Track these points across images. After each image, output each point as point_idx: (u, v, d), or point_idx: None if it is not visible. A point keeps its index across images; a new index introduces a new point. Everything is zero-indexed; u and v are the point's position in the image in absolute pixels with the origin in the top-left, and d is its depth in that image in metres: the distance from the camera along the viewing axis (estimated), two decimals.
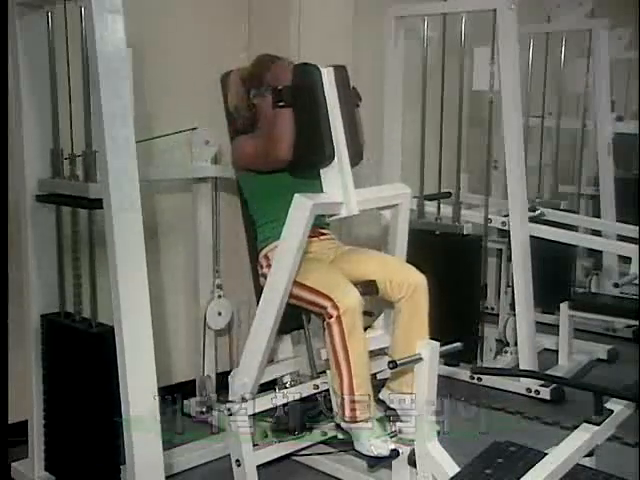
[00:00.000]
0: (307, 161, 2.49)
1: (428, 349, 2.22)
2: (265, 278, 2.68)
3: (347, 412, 2.40)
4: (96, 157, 2.23)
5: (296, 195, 2.33)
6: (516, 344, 3.72)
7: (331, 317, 2.37)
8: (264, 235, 2.71)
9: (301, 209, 2.31)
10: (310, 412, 2.69)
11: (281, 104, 2.47)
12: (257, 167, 2.64)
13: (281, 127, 2.47)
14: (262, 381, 2.60)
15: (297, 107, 2.46)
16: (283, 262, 2.40)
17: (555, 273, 4.31)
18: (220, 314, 3.21)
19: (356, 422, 2.39)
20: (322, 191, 2.45)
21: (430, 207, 3.80)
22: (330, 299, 2.38)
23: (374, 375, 2.59)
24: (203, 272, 3.21)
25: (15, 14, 2.35)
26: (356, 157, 2.54)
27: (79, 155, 2.35)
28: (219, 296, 3.19)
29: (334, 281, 2.47)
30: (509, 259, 3.72)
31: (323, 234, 2.76)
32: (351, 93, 2.57)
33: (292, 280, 2.42)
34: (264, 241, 2.72)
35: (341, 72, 2.50)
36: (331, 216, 2.51)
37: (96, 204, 2.19)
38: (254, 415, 2.54)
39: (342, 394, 2.41)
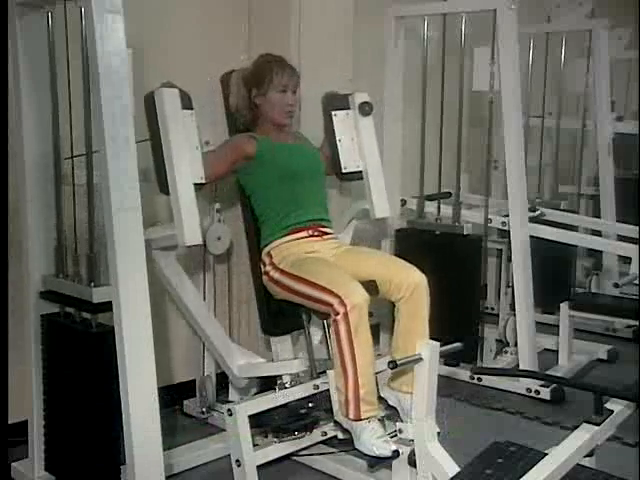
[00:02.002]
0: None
1: (428, 349, 2.22)
2: (267, 276, 2.69)
3: (351, 411, 2.40)
4: (99, 257, 2.29)
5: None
6: (516, 344, 3.72)
7: (338, 314, 2.37)
8: (266, 233, 2.72)
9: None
10: (310, 412, 2.70)
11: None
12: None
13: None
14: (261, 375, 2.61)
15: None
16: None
17: (555, 273, 4.32)
18: (219, 239, 3.04)
19: (360, 421, 2.40)
20: (324, 193, 2.46)
21: (430, 207, 3.80)
22: (337, 296, 2.38)
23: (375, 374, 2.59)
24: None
25: (15, 14, 2.35)
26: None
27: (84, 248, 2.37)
28: (218, 220, 3.05)
29: (341, 278, 2.48)
30: (509, 259, 3.71)
31: (326, 233, 2.76)
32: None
33: None
34: (266, 239, 2.73)
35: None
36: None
37: (101, 308, 2.24)
38: (254, 415, 2.54)
39: (346, 392, 2.41)
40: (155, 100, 2.44)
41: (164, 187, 2.48)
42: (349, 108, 2.93)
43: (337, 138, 2.89)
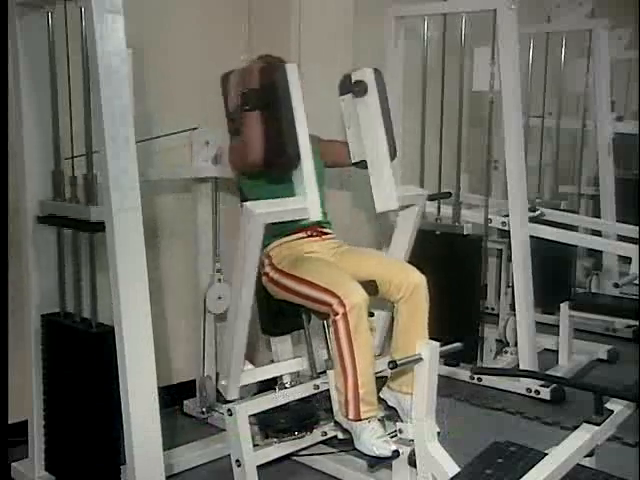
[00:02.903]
0: (274, 164, 2.48)
1: (428, 349, 2.22)
2: (267, 277, 2.69)
3: (351, 410, 2.40)
4: (97, 179, 2.26)
5: (246, 204, 2.34)
6: (516, 344, 3.72)
7: (337, 314, 2.37)
8: (265, 234, 2.71)
9: (248, 218, 2.31)
10: (310, 412, 2.70)
11: (246, 107, 2.48)
12: (241, 171, 2.68)
13: (247, 131, 2.49)
14: (261, 379, 2.61)
15: (264, 109, 2.45)
16: (239, 273, 2.40)
17: (555, 273, 4.32)
18: (220, 298, 3.14)
19: (360, 421, 2.39)
20: (322, 192, 2.46)
21: (430, 207, 3.79)
22: (337, 296, 2.38)
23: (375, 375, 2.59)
24: (203, 272, 3.20)
25: (15, 14, 2.35)
26: (392, 153, 2.62)
27: (82, 175, 2.35)
28: (219, 280, 3.14)
29: (340, 279, 2.47)
30: (509, 259, 3.72)
31: (325, 234, 2.76)
32: (386, 93, 2.62)
33: (251, 290, 2.42)
34: (265, 240, 2.72)
35: (379, 75, 2.58)
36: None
37: (98, 227, 2.20)
38: (254, 415, 2.54)
39: (346, 392, 2.41)
40: (285, 73, 2.38)
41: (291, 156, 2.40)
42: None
43: (345, 125, 2.71)
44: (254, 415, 2.58)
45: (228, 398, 2.54)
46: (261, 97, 2.45)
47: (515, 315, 3.69)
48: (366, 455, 2.39)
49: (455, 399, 3.49)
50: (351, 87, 2.60)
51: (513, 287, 3.66)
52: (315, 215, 2.42)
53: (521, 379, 3.55)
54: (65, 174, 2.43)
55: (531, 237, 3.67)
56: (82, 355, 2.36)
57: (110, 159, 2.08)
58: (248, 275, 2.38)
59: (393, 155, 2.66)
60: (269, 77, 2.41)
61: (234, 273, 2.45)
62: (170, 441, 2.73)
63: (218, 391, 3.14)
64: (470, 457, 1.97)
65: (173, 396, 3.19)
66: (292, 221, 2.49)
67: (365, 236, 3.94)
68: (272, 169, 2.52)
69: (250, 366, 2.67)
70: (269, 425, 2.64)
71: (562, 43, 4.62)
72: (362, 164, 2.71)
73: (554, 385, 3.48)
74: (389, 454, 2.32)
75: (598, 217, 4.72)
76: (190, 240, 3.24)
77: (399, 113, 3.82)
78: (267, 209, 2.34)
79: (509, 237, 3.66)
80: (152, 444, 2.19)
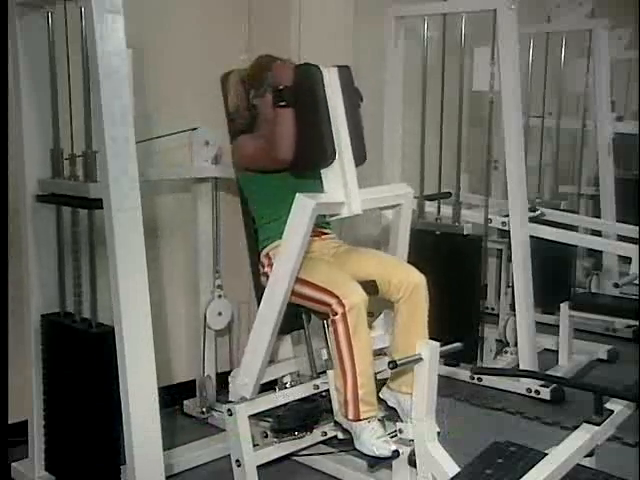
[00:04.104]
0: (309, 161, 2.49)
1: (428, 349, 2.22)
2: (267, 277, 2.68)
3: (350, 411, 2.40)
4: (96, 157, 2.23)
5: (298, 195, 2.33)
6: (516, 344, 3.72)
7: (336, 314, 2.37)
8: (265, 235, 2.71)
9: (303, 209, 2.31)
10: (310, 412, 2.70)
11: (282, 104, 2.47)
12: (259, 167, 2.64)
13: (282, 127, 2.47)
14: (262, 381, 2.61)
15: (298, 107, 2.46)
16: (285, 263, 2.40)
17: (555, 273, 4.32)
18: (220, 314, 3.21)
19: (359, 421, 2.39)
20: (323, 191, 2.45)
21: (430, 207, 3.80)
22: (336, 296, 2.38)
23: (375, 375, 2.59)
24: (203, 272, 3.20)
25: (15, 14, 2.35)
26: (360, 157, 2.54)
27: (79, 155, 2.36)
28: (219, 296, 3.19)
29: (340, 279, 2.47)
30: (509, 259, 3.71)
31: (325, 234, 2.76)
32: (355, 93, 2.57)
33: (293, 281, 2.42)
34: (265, 240, 2.72)
35: (345, 72, 2.50)
36: (332, 216, 2.50)
37: (96, 204, 2.19)
38: (254, 415, 2.54)
39: (346, 392, 2.40)
40: (325, 76, 2.41)
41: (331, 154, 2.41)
42: None
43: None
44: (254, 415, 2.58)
45: (248, 397, 2.52)
46: (298, 95, 2.44)
47: (515, 315, 3.69)
48: (366, 455, 2.39)
49: (455, 399, 3.49)
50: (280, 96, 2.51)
51: (513, 287, 3.66)
52: (357, 209, 2.43)
53: (521, 379, 3.55)
54: (64, 152, 2.43)
55: (531, 237, 3.67)
56: (82, 355, 2.36)
57: (110, 159, 2.08)
58: (293, 270, 2.38)
59: (361, 160, 2.56)
60: (309, 77, 2.42)
61: (274, 268, 2.45)
62: (170, 441, 2.73)
63: (218, 391, 3.15)
64: (470, 457, 1.97)
65: (173, 396, 3.19)
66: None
67: (365, 236, 3.94)
68: (307, 165, 2.51)
69: None
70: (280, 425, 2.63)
71: (562, 43, 4.62)
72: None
73: (554, 385, 3.48)
74: (389, 454, 2.32)
75: (598, 217, 4.72)
76: (190, 239, 3.24)
77: (399, 113, 3.83)
78: (322, 200, 2.37)
79: (509, 237, 3.65)
80: (152, 444, 2.19)
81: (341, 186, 2.42)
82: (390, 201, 2.67)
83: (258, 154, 2.62)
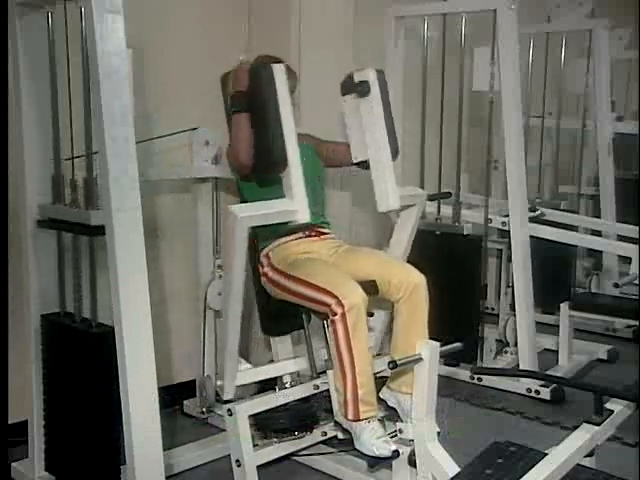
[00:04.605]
0: (261, 167, 2.47)
1: (428, 349, 2.22)
2: (266, 277, 2.69)
3: (350, 411, 2.40)
4: (97, 183, 2.25)
5: (230, 207, 2.31)
6: (516, 344, 3.72)
7: (335, 314, 2.37)
8: (264, 235, 2.72)
9: (231, 220, 2.29)
10: (310, 412, 2.70)
11: (234, 110, 2.48)
12: (239, 172, 2.68)
13: (235, 134, 2.50)
14: (261, 379, 2.61)
15: (252, 111, 2.44)
16: (227, 276, 2.41)
17: (555, 273, 4.32)
18: (220, 294, 3.15)
19: (359, 421, 2.39)
20: (322, 192, 2.45)
21: (430, 207, 3.79)
22: (335, 296, 2.38)
23: (374, 375, 2.59)
24: (203, 273, 3.20)
25: (15, 14, 2.35)
26: (393, 151, 2.63)
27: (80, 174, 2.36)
28: (219, 276, 3.12)
29: (339, 279, 2.47)
30: (509, 259, 3.72)
31: (324, 233, 2.76)
32: (387, 94, 2.61)
33: (240, 293, 2.42)
34: (264, 241, 2.73)
35: (381, 75, 2.56)
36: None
37: (97, 231, 2.20)
38: (254, 415, 2.54)
39: (345, 392, 2.40)
40: (272, 74, 2.34)
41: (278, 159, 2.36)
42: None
43: (347, 125, 2.69)
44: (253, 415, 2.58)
45: (225, 398, 2.54)
46: (248, 99, 2.44)
47: (515, 315, 3.69)
48: (366, 455, 2.39)
49: (455, 399, 3.49)
50: (354, 87, 2.60)
51: (513, 287, 3.66)
52: (304, 217, 2.38)
53: (521, 379, 3.55)
54: (65, 177, 2.43)
55: (531, 237, 3.67)
56: (82, 355, 2.36)
57: (110, 159, 2.08)
58: (236, 277, 2.38)
59: (395, 155, 2.66)
60: (256, 78, 2.41)
61: (223, 275, 2.45)
62: (170, 441, 2.73)
63: (217, 391, 3.15)
64: (470, 457, 1.97)
65: (173, 396, 3.19)
66: (287, 222, 2.49)
67: (365, 236, 3.94)
68: (260, 172, 2.52)
69: (247, 365, 2.67)
70: (269, 425, 2.63)
71: (562, 43, 4.62)
72: (363, 164, 2.70)
73: (554, 385, 3.48)
74: (389, 454, 2.32)
75: (598, 217, 4.72)
76: (190, 240, 3.24)
77: (399, 113, 3.83)
78: (252, 212, 2.32)
79: (509, 237, 3.66)
80: (152, 444, 2.19)
81: (291, 193, 2.36)
82: (405, 201, 2.69)
83: (229, 160, 2.68)
